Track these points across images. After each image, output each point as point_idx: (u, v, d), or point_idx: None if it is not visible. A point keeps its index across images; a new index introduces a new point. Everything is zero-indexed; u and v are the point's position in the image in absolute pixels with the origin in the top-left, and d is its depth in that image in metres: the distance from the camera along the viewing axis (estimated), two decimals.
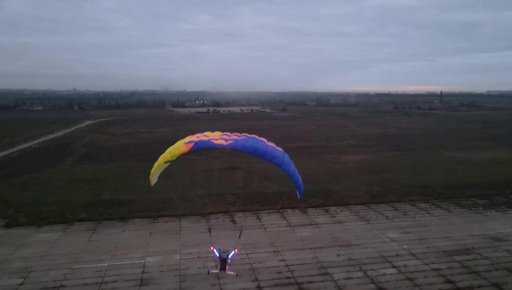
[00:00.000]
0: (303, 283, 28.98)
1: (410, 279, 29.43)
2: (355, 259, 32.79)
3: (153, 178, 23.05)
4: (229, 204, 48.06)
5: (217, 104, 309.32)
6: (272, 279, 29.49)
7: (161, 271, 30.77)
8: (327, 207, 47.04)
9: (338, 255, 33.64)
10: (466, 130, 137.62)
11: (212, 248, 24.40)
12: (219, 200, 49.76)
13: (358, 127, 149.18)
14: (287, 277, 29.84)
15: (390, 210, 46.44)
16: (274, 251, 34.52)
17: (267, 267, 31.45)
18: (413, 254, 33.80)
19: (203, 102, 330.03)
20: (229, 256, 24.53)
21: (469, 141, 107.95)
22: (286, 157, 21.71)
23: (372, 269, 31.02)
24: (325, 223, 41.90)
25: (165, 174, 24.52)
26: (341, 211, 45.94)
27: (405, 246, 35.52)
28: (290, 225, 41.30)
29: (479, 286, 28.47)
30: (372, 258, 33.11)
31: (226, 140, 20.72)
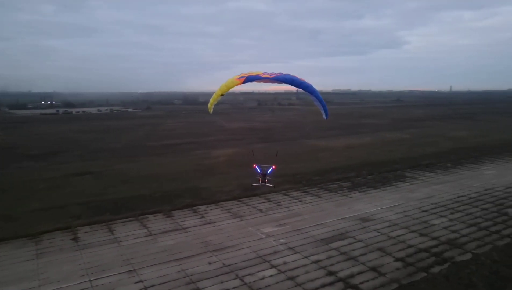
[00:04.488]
0: None
1: (291, 278, 25.80)
2: (229, 265, 27.74)
3: (211, 107, 28.24)
4: (72, 218, 37.83)
5: (69, 104, 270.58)
6: None
7: None
8: (195, 207, 41.15)
9: (209, 263, 28.10)
10: (321, 121, 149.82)
11: (254, 165, 29.58)
12: (59, 214, 38.98)
13: (226, 123, 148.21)
14: None
15: (263, 202, 43.34)
16: (129, 271, 26.94)
17: None
18: (291, 248, 30.62)
19: (52, 102, 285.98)
20: (268, 171, 29.74)
21: (326, 130, 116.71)
22: (313, 86, 25.48)
23: (249, 274, 26.43)
24: (194, 226, 35.96)
25: None
26: (211, 209, 40.67)
27: (283, 240, 32.21)
28: (151, 234, 33.95)
29: (359, 273, 26.62)
30: (248, 260, 28.60)
31: (270, 75, 24.08)
